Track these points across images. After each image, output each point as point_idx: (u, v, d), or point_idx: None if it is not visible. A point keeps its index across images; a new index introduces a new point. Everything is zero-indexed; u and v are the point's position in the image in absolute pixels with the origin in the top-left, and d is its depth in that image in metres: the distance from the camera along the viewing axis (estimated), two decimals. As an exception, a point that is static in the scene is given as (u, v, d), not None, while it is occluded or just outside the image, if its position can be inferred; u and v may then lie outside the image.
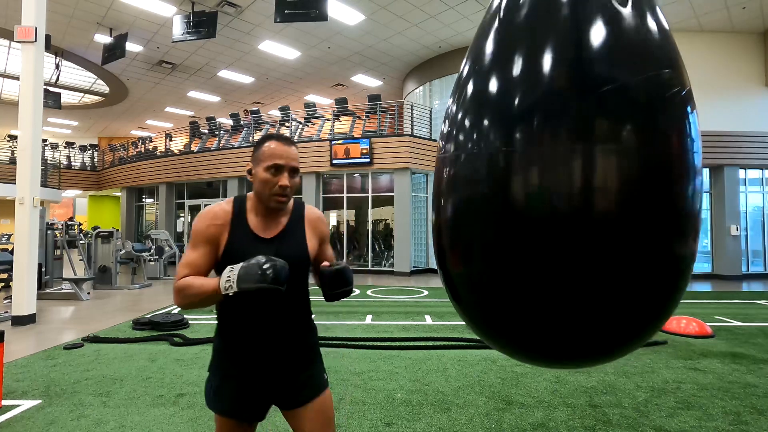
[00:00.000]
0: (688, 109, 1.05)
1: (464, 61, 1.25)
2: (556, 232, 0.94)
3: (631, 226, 0.94)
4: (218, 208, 1.23)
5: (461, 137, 1.14)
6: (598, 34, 1.00)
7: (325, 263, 1.27)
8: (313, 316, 1.35)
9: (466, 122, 1.14)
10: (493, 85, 1.09)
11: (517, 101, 1.03)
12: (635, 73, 1.00)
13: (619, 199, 0.94)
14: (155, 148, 16.52)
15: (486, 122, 1.09)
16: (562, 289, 0.96)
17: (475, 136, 1.10)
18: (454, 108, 1.20)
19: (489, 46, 1.14)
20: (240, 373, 1.22)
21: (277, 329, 1.22)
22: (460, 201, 1.14)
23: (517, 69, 1.05)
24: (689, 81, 1.08)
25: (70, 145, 18.70)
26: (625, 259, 0.94)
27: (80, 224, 11.25)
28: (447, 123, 1.23)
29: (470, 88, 1.15)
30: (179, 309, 6.09)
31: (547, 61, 1.01)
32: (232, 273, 1.06)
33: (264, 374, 1.22)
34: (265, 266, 1.05)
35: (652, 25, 1.06)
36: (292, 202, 1.29)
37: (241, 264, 1.07)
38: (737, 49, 10.00)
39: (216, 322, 1.27)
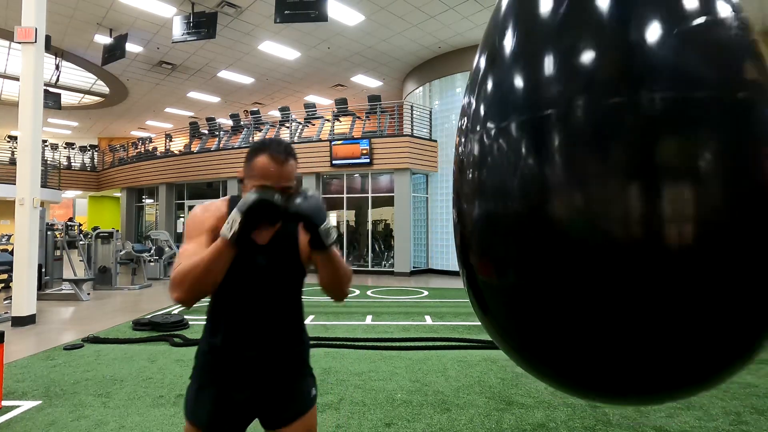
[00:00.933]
0: None
1: (481, 49, 1.08)
2: (615, 263, 0.78)
3: (707, 260, 0.76)
4: (213, 206, 1.16)
5: (487, 138, 0.98)
6: (663, 20, 0.80)
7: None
8: (306, 328, 1.27)
9: (493, 122, 0.97)
10: (523, 76, 0.92)
11: (563, 108, 0.85)
12: (714, 72, 0.79)
13: (695, 228, 0.76)
14: (155, 148, 16.53)
15: (524, 126, 0.91)
16: (621, 324, 0.82)
17: (506, 138, 0.93)
18: (476, 100, 1.04)
19: (512, 29, 0.97)
20: (222, 380, 1.13)
21: (266, 336, 1.14)
22: (490, 208, 0.98)
23: (562, 62, 0.87)
24: None
25: (70, 145, 18.71)
26: (703, 296, 0.78)
27: (80, 225, 11.25)
28: (469, 119, 1.07)
29: (495, 79, 0.99)
30: (180, 309, 6.10)
31: (596, 53, 0.82)
32: (233, 213, 0.97)
33: (248, 383, 1.13)
34: (264, 189, 0.98)
35: (725, 9, 0.84)
36: None
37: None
38: None
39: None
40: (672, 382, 0.89)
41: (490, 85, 1.03)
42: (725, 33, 0.84)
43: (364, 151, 10.52)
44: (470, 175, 1.04)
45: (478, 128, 1.03)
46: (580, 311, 0.84)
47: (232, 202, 1.16)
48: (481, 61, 1.10)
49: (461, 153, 1.11)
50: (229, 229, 0.96)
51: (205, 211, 1.14)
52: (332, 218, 12.54)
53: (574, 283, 0.83)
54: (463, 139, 1.10)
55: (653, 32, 0.81)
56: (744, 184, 0.76)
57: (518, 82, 0.94)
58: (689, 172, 0.76)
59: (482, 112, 1.03)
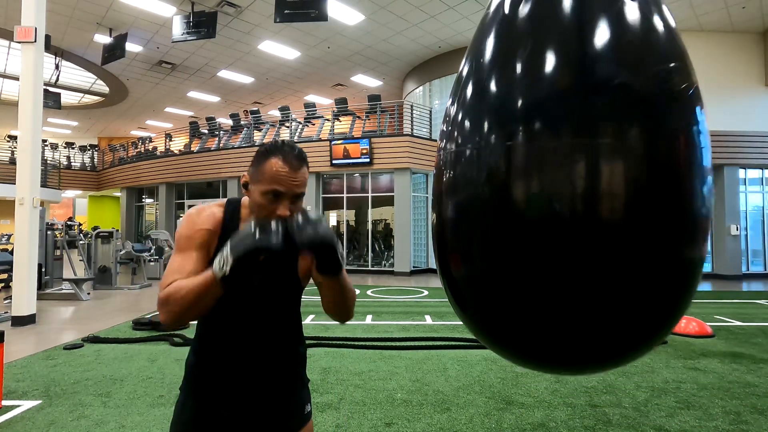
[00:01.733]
0: (697, 106, 1.02)
1: (464, 59, 1.23)
2: (559, 236, 0.92)
3: (638, 231, 0.91)
4: (208, 211, 1.06)
5: (461, 136, 1.12)
6: (601, 29, 0.98)
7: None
8: (304, 341, 1.21)
9: (467, 121, 1.12)
10: (495, 84, 1.07)
11: (518, 100, 1.01)
12: (641, 69, 0.97)
13: (625, 202, 0.91)
14: (155, 148, 16.53)
15: (487, 121, 1.07)
16: (568, 296, 0.95)
17: (475, 135, 1.08)
18: (455, 107, 1.18)
19: (490, 44, 1.12)
20: (210, 396, 1.06)
21: (261, 353, 1.07)
22: (459, 201, 1.11)
23: (518, 67, 1.03)
24: (696, 77, 1.07)
25: (69, 145, 18.71)
26: (631, 264, 0.92)
27: (80, 224, 11.26)
28: (447, 122, 1.20)
29: (471, 86, 1.13)
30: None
31: (549, 59, 0.99)
32: (224, 248, 0.86)
33: (238, 401, 1.06)
34: (264, 227, 0.86)
35: (657, 20, 1.04)
36: None
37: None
38: (737, 48, 10.01)
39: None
40: (617, 350, 1.04)
41: (467, 96, 1.17)
42: (659, 50, 1.03)
43: (364, 151, 10.52)
44: (444, 177, 1.18)
45: (455, 134, 1.17)
46: (534, 287, 0.98)
47: (228, 209, 1.08)
48: (464, 68, 1.24)
49: (440, 157, 1.24)
50: (219, 267, 0.85)
51: (197, 217, 1.04)
52: (332, 218, 12.54)
53: (527, 261, 0.97)
54: (442, 144, 1.23)
55: (600, 44, 0.99)
56: (659, 165, 0.94)
57: (489, 91, 1.10)
58: (618, 164, 0.92)
59: (459, 118, 1.17)
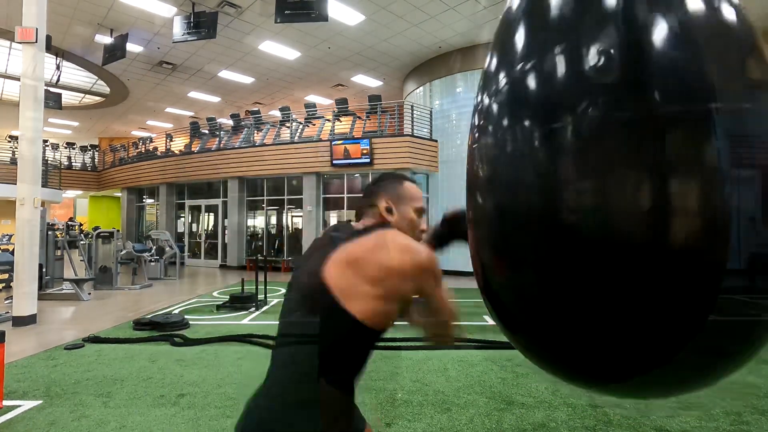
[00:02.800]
0: None
1: (492, 49, 1.10)
2: (617, 258, 0.80)
3: (719, 257, 0.77)
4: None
5: (502, 138, 1.00)
6: (661, 16, 0.83)
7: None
8: None
9: (507, 122, 0.99)
10: (534, 82, 0.93)
11: (562, 102, 0.87)
12: (723, 71, 0.81)
13: (701, 221, 0.77)
14: (156, 148, 16.54)
15: (534, 123, 0.92)
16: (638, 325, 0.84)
17: (521, 139, 0.94)
18: (490, 103, 1.06)
19: (526, 30, 0.99)
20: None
21: None
22: (504, 207, 0.99)
23: (565, 60, 0.88)
24: None
25: (70, 145, 18.73)
26: (707, 293, 0.79)
27: (81, 224, 11.24)
28: (482, 118, 1.09)
29: (507, 82, 1.01)
30: (181, 309, 6.10)
31: (601, 49, 0.84)
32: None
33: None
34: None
35: (729, 9, 0.85)
36: None
37: None
38: None
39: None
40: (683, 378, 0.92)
41: (502, 85, 1.05)
42: (729, 36, 0.86)
43: (365, 151, 10.52)
44: (485, 174, 1.05)
45: (490, 128, 1.04)
46: (590, 306, 0.86)
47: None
48: (493, 60, 1.11)
49: (476, 151, 1.11)
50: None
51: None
52: (333, 218, 12.54)
53: (585, 278, 0.85)
54: (477, 138, 1.10)
55: (662, 38, 0.82)
56: (745, 185, 0.79)
57: (532, 84, 0.95)
58: (692, 174, 0.78)
59: (495, 112, 1.05)
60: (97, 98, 15.91)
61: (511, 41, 1.04)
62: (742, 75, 0.85)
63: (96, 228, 10.93)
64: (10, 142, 16.63)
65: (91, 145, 19.55)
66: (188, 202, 14.10)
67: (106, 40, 10.22)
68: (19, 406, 2.86)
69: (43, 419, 2.66)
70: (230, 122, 14.48)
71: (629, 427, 2.54)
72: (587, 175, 0.84)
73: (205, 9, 8.88)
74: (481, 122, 1.08)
